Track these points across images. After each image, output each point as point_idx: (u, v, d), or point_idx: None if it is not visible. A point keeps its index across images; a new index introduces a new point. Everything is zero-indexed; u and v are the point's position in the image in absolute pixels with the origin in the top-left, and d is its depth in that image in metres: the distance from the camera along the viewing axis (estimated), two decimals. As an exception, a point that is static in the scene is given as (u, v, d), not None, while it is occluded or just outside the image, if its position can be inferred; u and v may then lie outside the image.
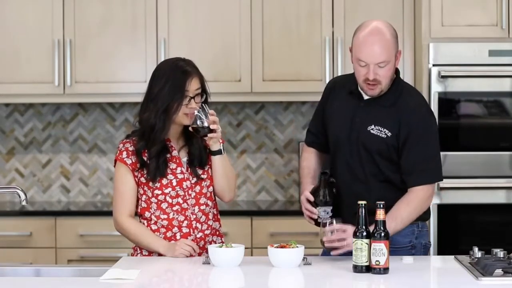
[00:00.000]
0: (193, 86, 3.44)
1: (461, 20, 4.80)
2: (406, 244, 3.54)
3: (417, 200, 3.46)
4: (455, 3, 4.79)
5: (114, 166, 3.55)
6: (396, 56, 3.46)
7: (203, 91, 3.48)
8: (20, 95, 5.17)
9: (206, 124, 3.38)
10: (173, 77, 3.43)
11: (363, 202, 3.15)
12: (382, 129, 3.49)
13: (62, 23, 5.13)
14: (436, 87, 4.75)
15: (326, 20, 5.10)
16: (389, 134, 3.48)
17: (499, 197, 4.79)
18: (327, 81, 4.94)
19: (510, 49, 4.78)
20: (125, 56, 5.14)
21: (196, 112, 3.38)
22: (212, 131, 3.39)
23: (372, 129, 3.50)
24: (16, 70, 5.13)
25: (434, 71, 4.76)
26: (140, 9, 5.12)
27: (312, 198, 3.47)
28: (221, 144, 3.50)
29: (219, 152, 3.49)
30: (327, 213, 3.45)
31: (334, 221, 3.35)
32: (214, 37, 5.12)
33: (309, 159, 3.73)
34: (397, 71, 3.56)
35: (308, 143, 3.77)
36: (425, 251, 3.61)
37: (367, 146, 3.50)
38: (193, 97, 3.43)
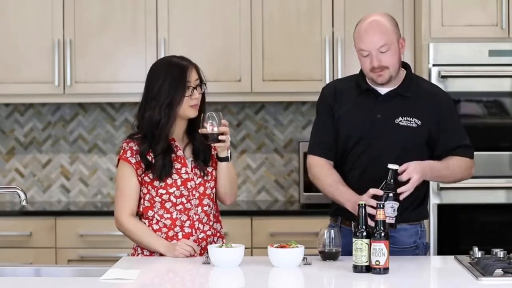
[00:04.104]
0: (193, 76, 3.48)
1: (461, 20, 4.80)
2: (411, 244, 3.55)
3: (464, 163, 3.56)
4: (455, 3, 4.79)
5: (117, 165, 3.54)
6: (400, 42, 3.49)
7: (202, 82, 3.51)
8: (20, 95, 5.16)
9: (216, 130, 3.39)
10: (171, 71, 3.46)
11: (363, 202, 3.16)
12: (411, 119, 3.49)
13: (62, 23, 5.13)
14: (436, 87, 4.75)
15: (326, 20, 5.10)
16: (419, 122, 3.49)
17: (499, 197, 4.79)
18: (327, 81, 4.96)
19: (510, 49, 4.77)
20: (125, 56, 5.14)
21: (207, 115, 3.39)
22: (220, 141, 3.41)
23: (401, 121, 3.49)
24: (16, 70, 5.13)
25: (434, 71, 4.76)
26: (140, 9, 5.12)
27: (381, 193, 3.28)
28: (229, 151, 3.52)
29: (226, 159, 3.51)
30: (394, 210, 3.26)
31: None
32: (214, 37, 5.12)
33: (332, 174, 3.56)
34: (406, 65, 3.60)
35: (321, 154, 3.60)
36: (426, 251, 3.62)
37: (396, 139, 3.46)
38: (195, 88, 3.46)
